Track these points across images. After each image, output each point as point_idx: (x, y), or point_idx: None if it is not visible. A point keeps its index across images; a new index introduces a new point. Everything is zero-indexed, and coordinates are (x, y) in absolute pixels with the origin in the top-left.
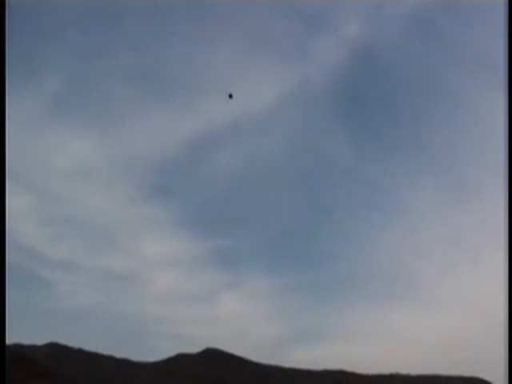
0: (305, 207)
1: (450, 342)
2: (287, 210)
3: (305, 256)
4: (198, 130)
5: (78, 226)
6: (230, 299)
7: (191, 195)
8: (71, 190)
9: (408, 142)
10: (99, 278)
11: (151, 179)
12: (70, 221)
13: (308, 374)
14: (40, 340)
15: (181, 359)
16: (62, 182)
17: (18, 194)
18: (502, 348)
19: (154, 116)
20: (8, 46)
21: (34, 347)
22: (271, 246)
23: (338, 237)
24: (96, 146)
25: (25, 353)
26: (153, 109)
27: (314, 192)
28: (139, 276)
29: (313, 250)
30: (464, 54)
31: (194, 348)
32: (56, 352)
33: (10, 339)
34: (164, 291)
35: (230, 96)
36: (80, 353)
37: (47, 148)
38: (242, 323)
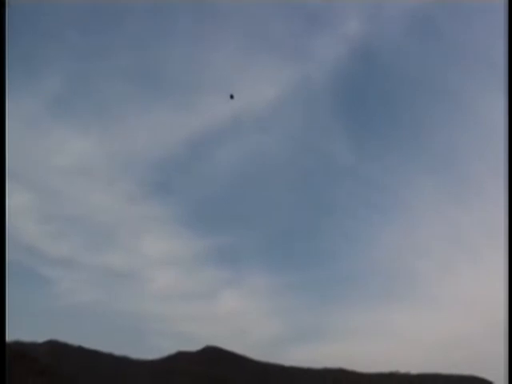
0: (305, 205)
1: (450, 340)
2: (287, 207)
3: (305, 254)
4: (198, 128)
5: (78, 224)
6: (229, 297)
7: (191, 193)
8: (71, 187)
9: (408, 141)
10: (99, 276)
11: (151, 177)
12: (70, 218)
13: (308, 372)
14: (40, 337)
15: (180, 357)
16: (62, 180)
17: (18, 192)
18: (501, 347)
19: (154, 114)
20: (8, 46)
21: (33, 345)
22: (271, 244)
23: (338, 235)
24: (96, 144)
25: (25, 350)
26: (153, 107)
27: (313, 190)
28: (139, 274)
29: (313, 248)
30: (464, 54)
31: (193, 346)
32: (56, 349)
33: (10, 337)
34: (164, 289)
35: (231, 97)
36: (80, 350)
37: (47, 146)
38: (242, 321)
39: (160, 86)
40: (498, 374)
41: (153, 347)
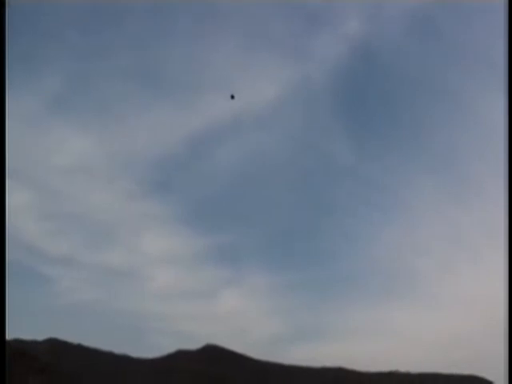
0: (305, 205)
1: (450, 340)
2: (287, 207)
3: (305, 253)
4: (198, 127)
5: (77, 222)
6: (229, 296)
7: (191, 192)
8: (71, 186)
9: (408, 141)
10: (99, 274)
11: (151, 176)
12: (70, 217)
13: (308, 371)
14: (40, 336)
15: (180, 355)
16: (62, 179)
17: (18, 191)
18: (501, 346)
19: (154, 113)
20: (8, 45)
21: (33, 343)
22: (271, 243)
23: (338, 235)
24: (96, 143)
25: (25, 348)
26: (153, 106)
27: (313, 190)
28: (139, 272)
29: (313, 247)
30: (464, 54)
31: (193, 344)
32: (56, 348)
33: (10, 335)
34: (164, 287)
35: (232, 97)
36: (80, 348)
37: (47, 145)
38: (242, 320)
39: (160, 85)
40: (498, 374)
41: (153, 345)
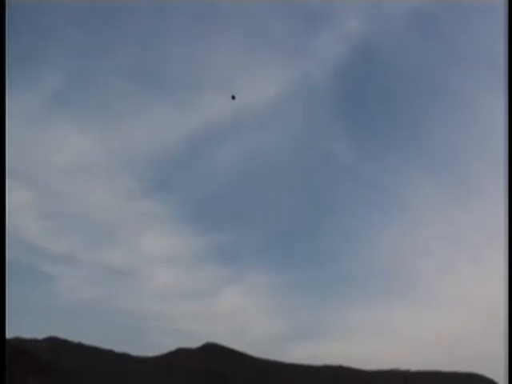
0: (305, 204)
1: (450, 339)
2: (287, 206)
3: (305, 253)
4: (198, 126)
5: (77, 221)
6: (230, 295)
7: (191, 191)
8: (71, 184)
9: (408, 141)
10: (99, 273)
11: (151, 175)
12: (70, 216)
13: (308, 369)
14: (40, 334)
15: (181, 354)
16: (62, 177)
17: (18, 189)
18: (501, 345)
19: (154, 112)
20: (8, 45)
21: (34, 341)
22: (271, 242)
23: (338, 235)
24: (96, 142)
25: (25, 347)
26: (153, 105)
27: (313, 189)
28: (139, 271)
29: (313, 247)
30: (464, 54)
31: (193, 343)
32: (56, 346)
33: (11, 333)
34: (164, 286)
35: (233, 98)
36: (80, 347)
37: (47, 143)
38: (242, 318)
39: (160, 85)
40: (498, 372)
41: (153, 344)
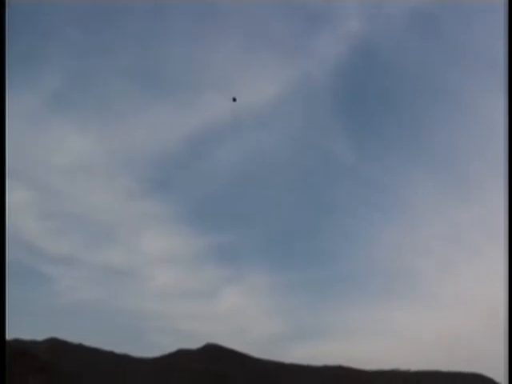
0: (305, 204)
1: (451, 339)
2: (287, 206)
3: (305, 253)
4: (198, 126)
5: (77, 222)
6: (230, 295)
7: (191, 191)
8: (71, 184)
9: (408, 141)
10: (99, 274)
11: (151, 175)
12: (70, 216)
13: (308, 369)
14: (40, 335)
15: (181, 354)
16: (62, 177)
17: (17, 190)
18: (501, 345)
19: (154, 112)
20: (8, 45)
21: (34, 342)
22: (271, 242)
23: (338, 235)
24: (95, 142)
25: (25, 348)
26: (153, 105)
27: (313, 189)
28: (139, 271)
29: (313, 247)
30: (464, 54)
31: (194, 343)
32: (56, 347)
33: (10, 334)
34: (164, 287)
35: (234, 100)
36: (80, 348)
37: (47, 143)
38: (243, 319)
39: (160, 85)
40: (498, 372)
41: (153, 345)
